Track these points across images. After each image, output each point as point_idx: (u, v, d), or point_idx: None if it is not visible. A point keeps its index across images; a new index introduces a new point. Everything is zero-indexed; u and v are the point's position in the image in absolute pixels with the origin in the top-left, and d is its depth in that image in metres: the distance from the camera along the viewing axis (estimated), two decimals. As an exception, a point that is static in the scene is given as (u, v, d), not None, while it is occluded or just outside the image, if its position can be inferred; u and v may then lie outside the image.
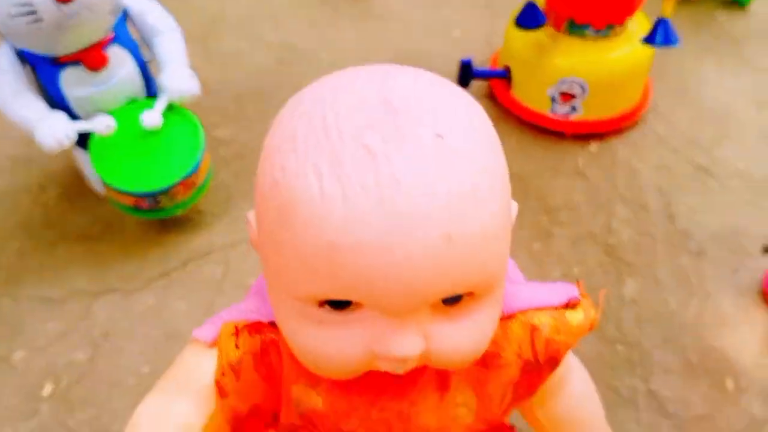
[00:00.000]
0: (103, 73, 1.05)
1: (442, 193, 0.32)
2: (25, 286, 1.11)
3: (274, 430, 0.48)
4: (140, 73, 1.11)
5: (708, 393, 0.96)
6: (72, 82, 1.04)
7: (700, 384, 0.97)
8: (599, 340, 1.01)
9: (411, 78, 0.36)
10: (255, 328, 0.43)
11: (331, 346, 0.36)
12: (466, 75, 1.39)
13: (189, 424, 0.41)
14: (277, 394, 0.44)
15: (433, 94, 0.35)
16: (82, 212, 1.23)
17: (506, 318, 0.44)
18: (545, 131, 1.38)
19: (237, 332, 0.43)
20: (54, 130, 1.01)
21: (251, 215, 0.41)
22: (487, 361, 0.44)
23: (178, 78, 1.08)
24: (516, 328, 0.45)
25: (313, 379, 0.42)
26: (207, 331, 0.43)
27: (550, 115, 1.37)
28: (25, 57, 1.03)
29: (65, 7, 0.93)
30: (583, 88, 1.31)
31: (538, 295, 0.46)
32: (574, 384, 0.53)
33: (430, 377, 0.43)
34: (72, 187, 1.27)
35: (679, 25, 1.29)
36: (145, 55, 1.13)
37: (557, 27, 1.31)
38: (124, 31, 1.08)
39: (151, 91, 1.14)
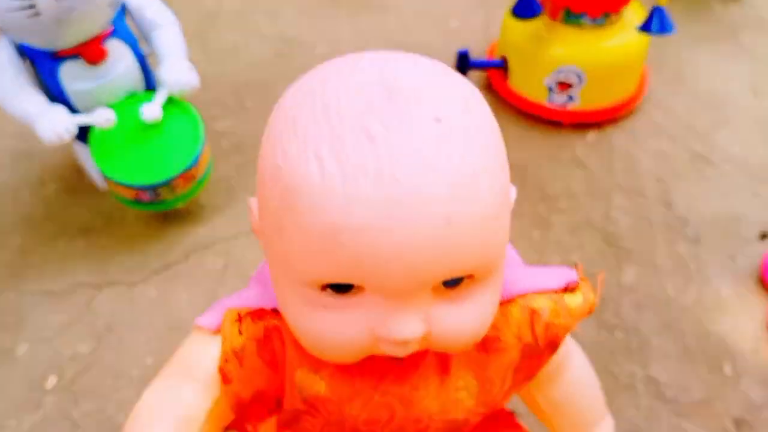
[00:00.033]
0: (103, 67, 1.05)
1: (442, 175, 0.32)
2: (28, 280, 1.12)
3: (278, 415, 0.48)
4: (139, 66, 1.11)
5: (706, 378, 0.97)
6: (71, 75, 1.04)
7: (699, 369, 0.98)
8: (598, 326, 1.02)
9: (410, 63, 0.37)
10: (258, 314, 0.43)
11: (334, 329, 0.37)
12: (463, 65, 1.39)
13: (193, 411, 0.42)
14: (281, 379, 0.44)
15: (432, 78, 0.36)
16: (83, 206, 1.24)
17: (506, 302, 0.45)
18: (543, 121, 1.38)
19: (240, 319, 0.43)
20: (54, 124, 1.01)
21: (253, 202, 0.41)
22: (487, 345, 0.45)
23: (177, 71, 1.08)
24: (515, 311, 0.45)
25: (316, 364, 0.43)
26: (210, 318, 0.44)
27: (547, 104, 1.37)
28: (24, 51, 1.03)
29: (64, 1, 0.93)
30: (579, 77, 1.31)
31: (537, 279, 0.46)
32: (574, 369, 0.53)
33: (430, 361, 0.44)
34: (72, 180, 1.28)
35: (674, 13, 1.29)
36: (144, 48, 1.13)
37: (553, 16, 1.32)
38: (123, 25, 1.08)
39: (150, 84, 1.14)
